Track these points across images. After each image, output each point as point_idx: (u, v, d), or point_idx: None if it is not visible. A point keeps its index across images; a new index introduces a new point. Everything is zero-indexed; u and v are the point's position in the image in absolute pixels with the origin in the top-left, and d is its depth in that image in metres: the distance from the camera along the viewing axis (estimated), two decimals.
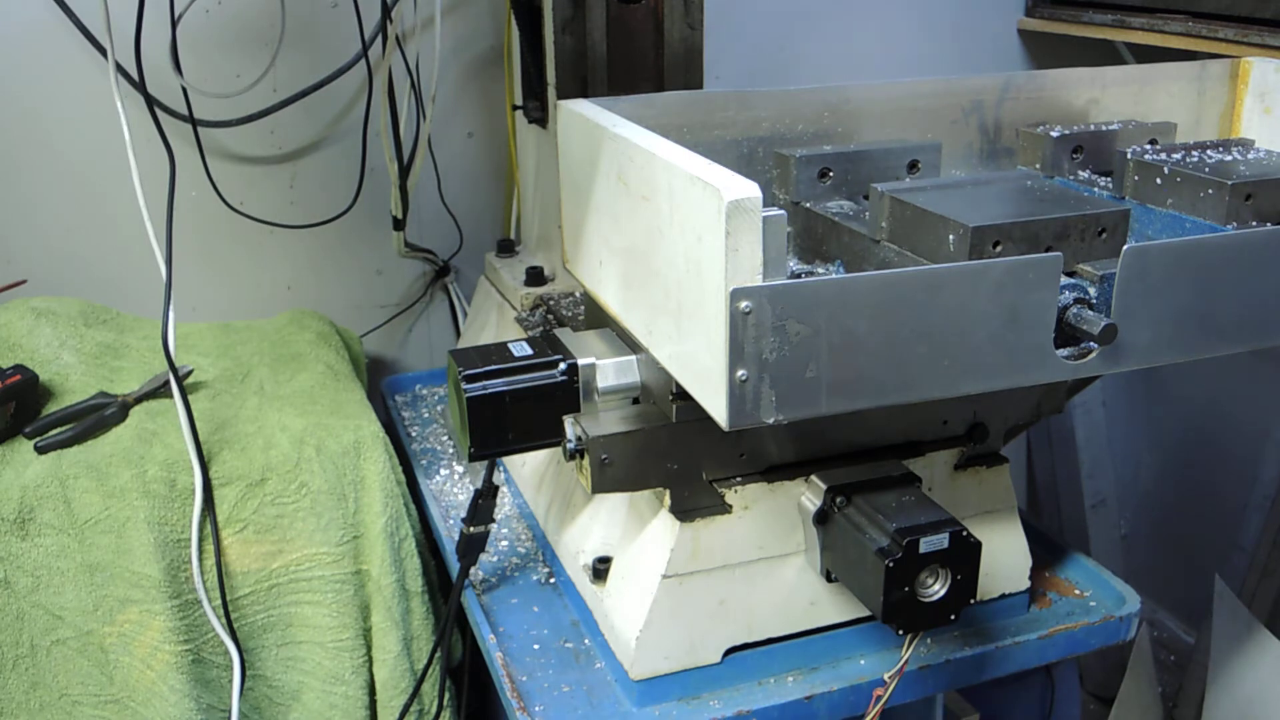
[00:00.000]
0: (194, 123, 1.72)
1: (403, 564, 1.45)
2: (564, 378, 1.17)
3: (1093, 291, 0.96)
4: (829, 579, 1.14)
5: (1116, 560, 2.66)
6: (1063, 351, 0.94)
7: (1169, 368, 1.37)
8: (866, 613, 1.21)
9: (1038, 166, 1.30)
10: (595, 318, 1.31)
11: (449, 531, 1.48)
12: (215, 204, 1.80)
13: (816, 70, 2.15)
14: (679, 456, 1.12)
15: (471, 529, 1.31)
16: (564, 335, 1.23)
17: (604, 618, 1.21)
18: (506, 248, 1.82)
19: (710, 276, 0.86)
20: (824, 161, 1.21)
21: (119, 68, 1.41)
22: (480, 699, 1.57)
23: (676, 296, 0.94)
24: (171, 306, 1.34)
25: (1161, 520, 2.61)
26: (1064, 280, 0.94)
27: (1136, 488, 2.64)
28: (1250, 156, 1.18)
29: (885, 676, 1.10)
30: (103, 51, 1.67)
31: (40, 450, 1.37)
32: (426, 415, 1.84)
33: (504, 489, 1.55)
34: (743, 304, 0.83)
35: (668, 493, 1.13)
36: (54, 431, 1.40)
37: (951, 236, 0.99)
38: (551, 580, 1.38)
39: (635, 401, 1.19)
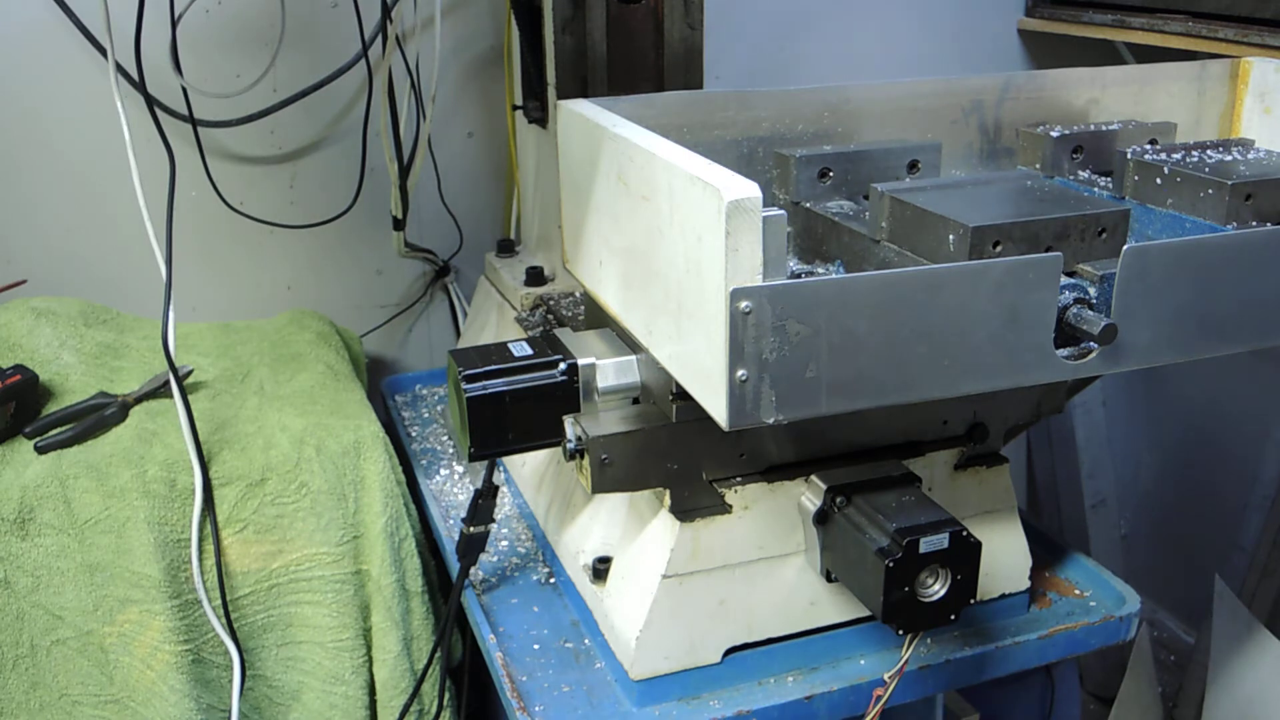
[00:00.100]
0: (194, 123, 1.72)
1: (403, 564, 1.45)
2: (564, 378, 1.17)
3: (1093, 291, 0.96)
4: (829, 579, 1.14)
5: (1116, 560, 2.66)
6: (1063, 351, 0.94)
7: (1169, 368, 1.37)
8: (866, 613, 1.21)
9: (1038, 166, 1.30)
10: (595, 318, 1.31)
11: (449, 531, 1.48)
12: (215, 204, 1.80)
13: (816, 70, 2.15)
14: (679, 456, 1.12)
15: (471, 529, 1.31)
16: (564, 335, 1.23)
17: (604, 618, 1.21)
18: (506, 248, 1.82)
19: (710, 276, 0.86)
20: (824, 161, 1.21)
21: (119, 68, 1.41)
22: (480, 699, 1.57)
23: (676, 296, 0.94)
24: (171, 306, 1.34)
25: (1161, 520, 2.61)
26: (1064, 280, 0.94)
27: (1136, 488, 2.64)
28: (1250, 156, 1.18)
29: (885, 676, 1.10)
30: (103, 51, 1.67)
31: (40, 450, 1.37)
32: (426, 415, 1.84)
33: (504, 489, 1.55)
34: (743, 304, 0.83)
35: (668, 493, 1.13)
36: (54, 431, 1.40)
37: (951, 236, 0.99)
38: (551, 580, 1.38)
39: (635, 401, 1.19)
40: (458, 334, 2.05)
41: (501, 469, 1.60)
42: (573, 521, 1.34)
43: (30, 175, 1.74)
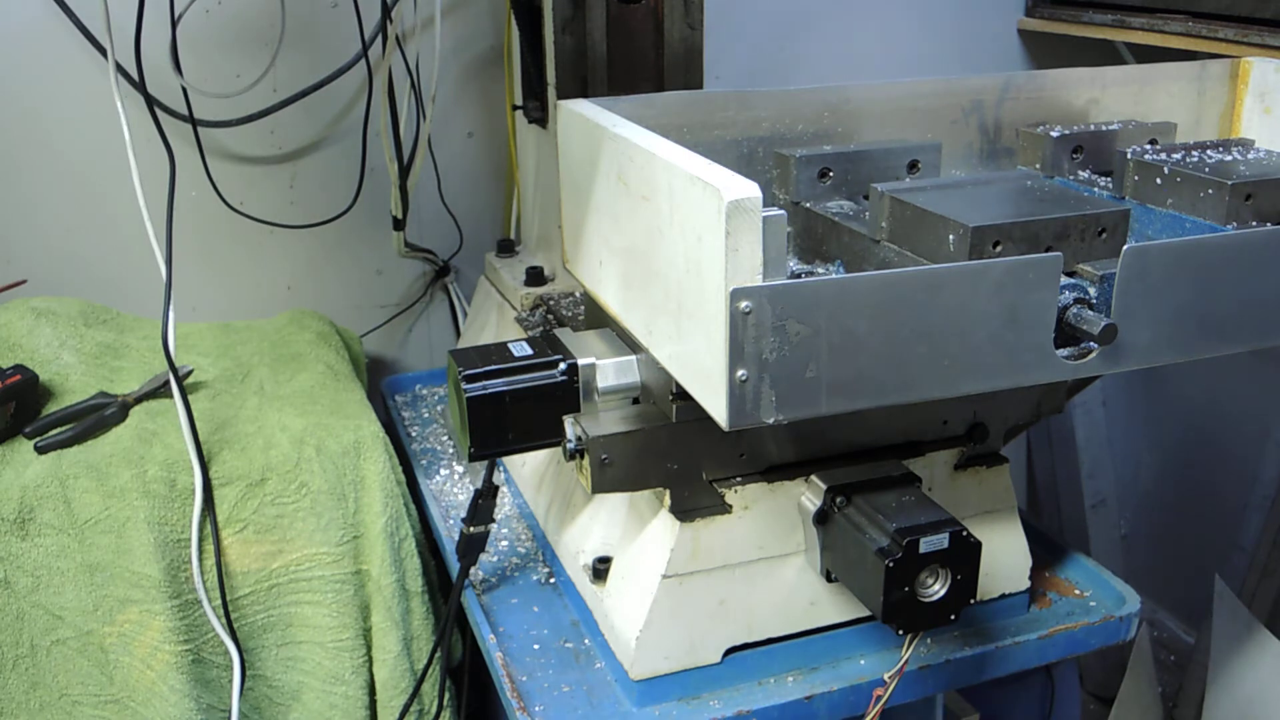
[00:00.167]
0: (194, 123, 1.72)
1: (403, 564, 1.45)
2: (564, 378, 1.17)
3: (1093, 291, 0.96)
4: (829, 579, 1.14)
5: (1116, 560, 2.66)
6: (1063, 351, 0.94)
7: (1169, 368, 1.37)
8: (866, 613, 1.21)
9: (1038, 166, 1.30)
10: (595, 318, 1.31)
11: (449, 531, 1.48)
12: (215, 204, 1.80)
13: (816, 70, 2.15)
14: (679, 456, 1.12)
15: (471, 529, 1.31)
16: (564, 335, 1.23)
17: (604, 618, 1.21)
18: (506, 248, 1.82)
19: (710, 276, 0.86)
20: (824, 161, 1.21)
21: (119, 68, 1.41)
22: (480, 699, 1.57)
23: (676, 296, 0.94)
24: (171, 306, 1.34)
25: (1161, 520, 2.61)
26: (1064, 280, 0.94)
27: (1136, 488, 2.64)
28: (1250, 156, 1.18)
29: (885, 676, 1.10)
30: (103, 51, 1.67)
31: (40, 450, 1.37)
32: (426, 415, 1.84)
33: (504, 489, 1.55)
34: (743, 304, 0.83)
35: (668, 493, 1.13)
36: (54, 431, 1.40)
37: (951, 236, 0.99)
38: (551, 580, 1.38)
39: (635, 401, 1.19)
40: (458, 334, 2.05)
41: (501, 469, 1.60)
42: (573, 521, 1.34)
43: (30, 175, 1.74)
